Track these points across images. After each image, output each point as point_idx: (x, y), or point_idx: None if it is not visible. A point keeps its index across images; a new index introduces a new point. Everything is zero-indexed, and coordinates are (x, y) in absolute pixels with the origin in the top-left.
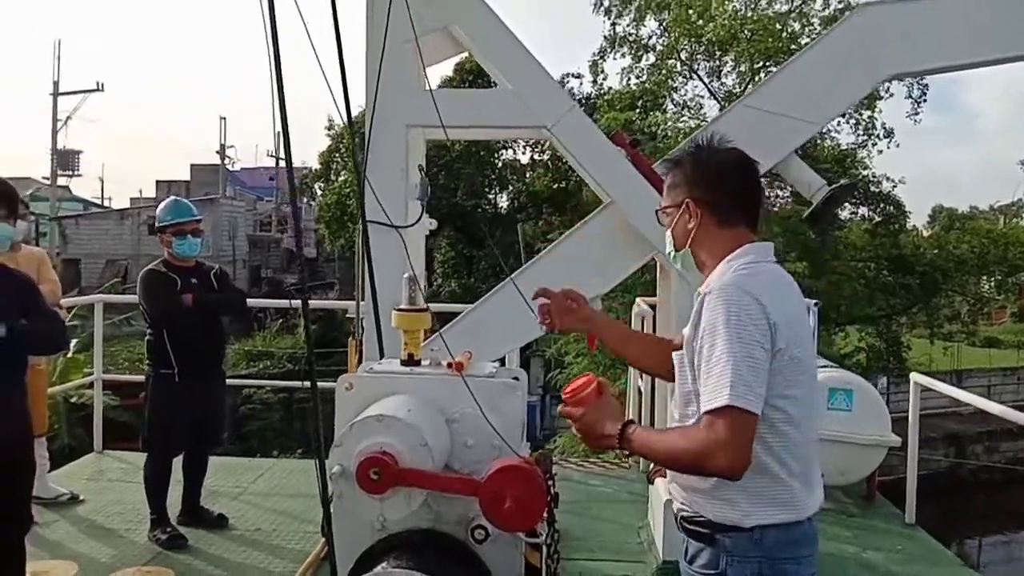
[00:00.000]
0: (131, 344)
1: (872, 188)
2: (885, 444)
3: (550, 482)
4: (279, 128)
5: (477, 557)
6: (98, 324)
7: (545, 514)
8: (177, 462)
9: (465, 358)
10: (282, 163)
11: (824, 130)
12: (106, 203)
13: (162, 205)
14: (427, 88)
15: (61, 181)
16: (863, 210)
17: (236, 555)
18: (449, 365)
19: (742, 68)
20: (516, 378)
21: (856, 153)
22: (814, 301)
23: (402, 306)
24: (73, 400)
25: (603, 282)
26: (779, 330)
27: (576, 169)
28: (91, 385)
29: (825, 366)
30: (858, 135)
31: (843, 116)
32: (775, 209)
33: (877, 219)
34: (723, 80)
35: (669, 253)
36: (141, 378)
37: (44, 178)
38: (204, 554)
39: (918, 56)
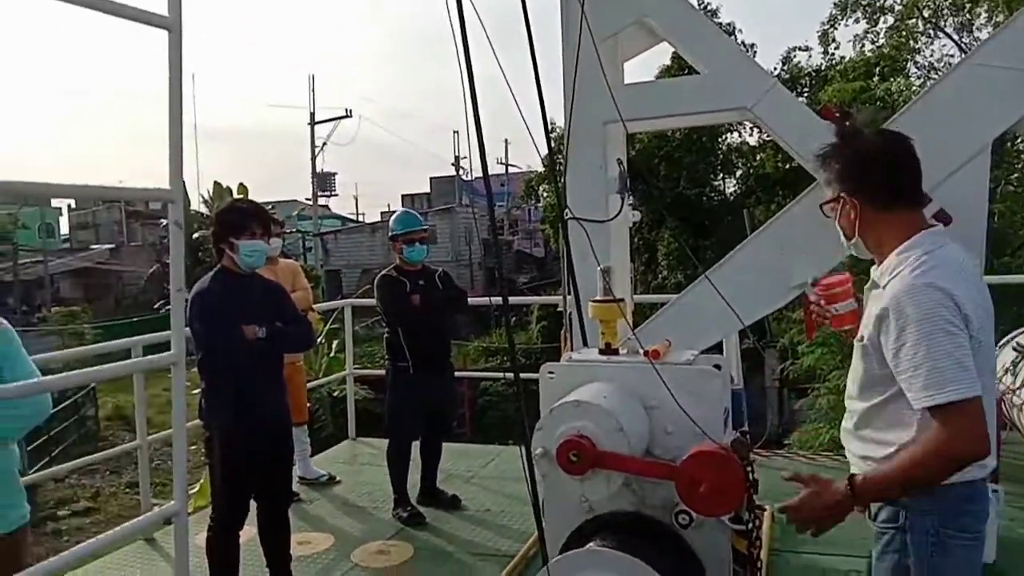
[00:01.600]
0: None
1: None
2: None
3: (749, 468)
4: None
5: (683, 541)
6: (348, 325)
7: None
8: (417, 448)
9: (663, 347)
10: (512, 169)
11: None
12: (360, 218)
13: (394, 217)
14: (623, 83)
15: (321, 201)
16: None
17: (467, 533)
18: (646, 353)
19: (999, 19)
20: (717, 366)
21: None
22: None
23: (597, 297)
24: (335, 394)
25: (815, 266)
26: (971, 321)
27: (784, 148)
28: (345, 380)
29: None
30: None
31: None
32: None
33: None
34: (975, 35)
35: (844, 243)
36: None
37: (307, 199)
38: (439, 531)
39: None
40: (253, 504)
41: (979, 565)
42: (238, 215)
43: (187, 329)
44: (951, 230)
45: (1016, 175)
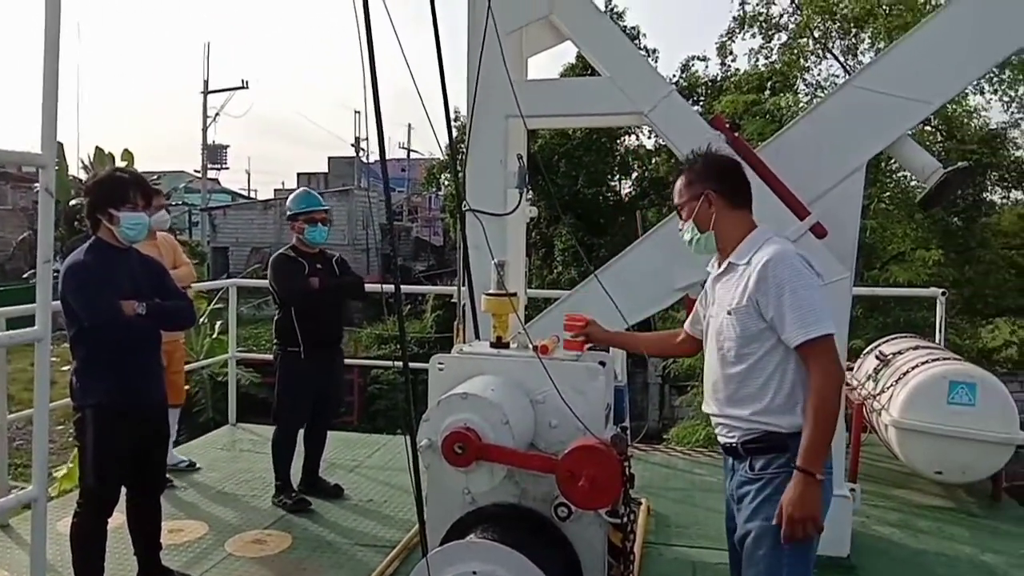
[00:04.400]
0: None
1: None
2: (1011, 442)
3: (626, 463)
4: (374, 122)
5: (560, 533)
6: (232, 306)
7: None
8: (300, 435)
9: (552, 342)
10: (413, 155)
11: (972, 108)
12: (252, 194)
13: (293, 195)
14: (526, 79)
15: (211, 174)
16: (1016, 194)
17: (348, 522)
18: (535, 348)
19: (880, 45)
20: (602, 363)
21: (1007, 133)
22: (941, 290)
23: (490, 291)
24: (218, 378)
25: (699, 271)
26: (818, 280)
27: (676, 154)
28: (227, 363)
29: (947, 359)
30: (1011, 113)
31: (993, 92)
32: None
33: None
34: (859, 58)
35: (691, 239)
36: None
37: (196, 171)
38: (319, 520)
39: None
40: (123, 489)
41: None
42: (119, 184)
43: (57, 303)
44: (825, 242)
45: (888, 194)
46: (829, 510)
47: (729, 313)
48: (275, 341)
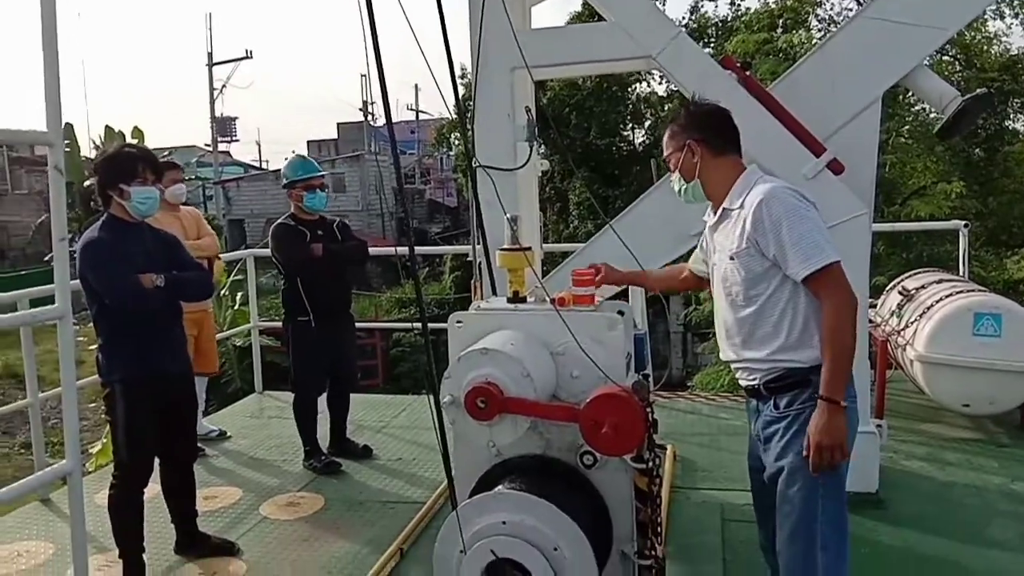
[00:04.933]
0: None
1: None
2: None
3: (648, 409)
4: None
5: (587, 481)
6: (251, 276)
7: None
8: (323, 401)
9: (569, 295)
10: (422, 116)
11: (991, 34)
12: (264, 165)
13: (288, 163)
14: (530, 28)
15: (221, 147)
16: None
17: (378, 483)
18: (552, 301)
19: None
20: (621, 312)
21: None
22: (964, 223)
23: (505, 246)
24: (243, 347)
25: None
26: (818, 209)
27: (687, 96)
28: (250, 333)
29: (971, 291)
30: None
31: (1015, 16)
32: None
33: None
34: None
35: (679, 189)
36: None
37: (206, 145)
38: (350, 482)
39: None
40: (156, 460)
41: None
42: (127, 159)
43: (76, 282)
44: (843, 178)
45: (907, 127)
46: (855, 446)
47: (731, 258)
48: (283, 312)
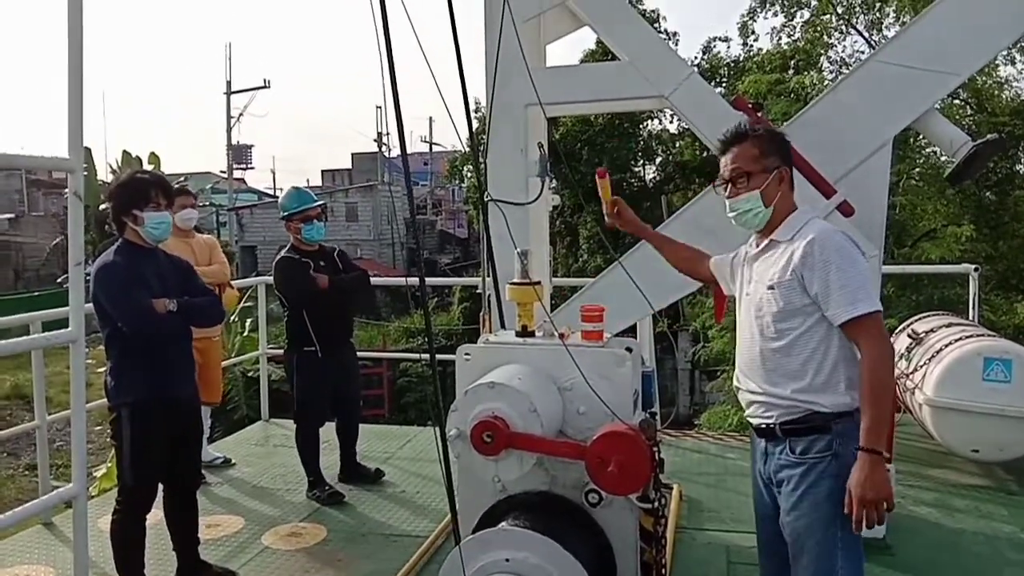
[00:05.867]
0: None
1: None
2: None
3: (655, 448)
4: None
5: (592, 519)
6: (261, 304)
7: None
8: (331, 429)
9: (567, 332)
10: (435, 148)
11: (1003, 79)
12: (277, 193)
13: (285, 194)
14: (544, 66)
15: (236, 174)
16: None
17: (381, 515)
18: (561, 336)
19: (905, 18)
20: (629, 349)
21: None
22: (974, 266)
23: (514, 280)
24: (250, 374)
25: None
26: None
27: (698, 136)
28: (259, 360)
29: (982, 335)
30: None
31: None
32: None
33: None
34: (884, 33)
35: (748, 210)
36: None
37: (221, 171)
38: (353, 513)
39: None
40: (160, 486)
41: None
42: (139, 185)
43: (90, 305)
44: (853, 220)
45: (917, 170)
46: None
47: (770, 288)
48: (287, 343)
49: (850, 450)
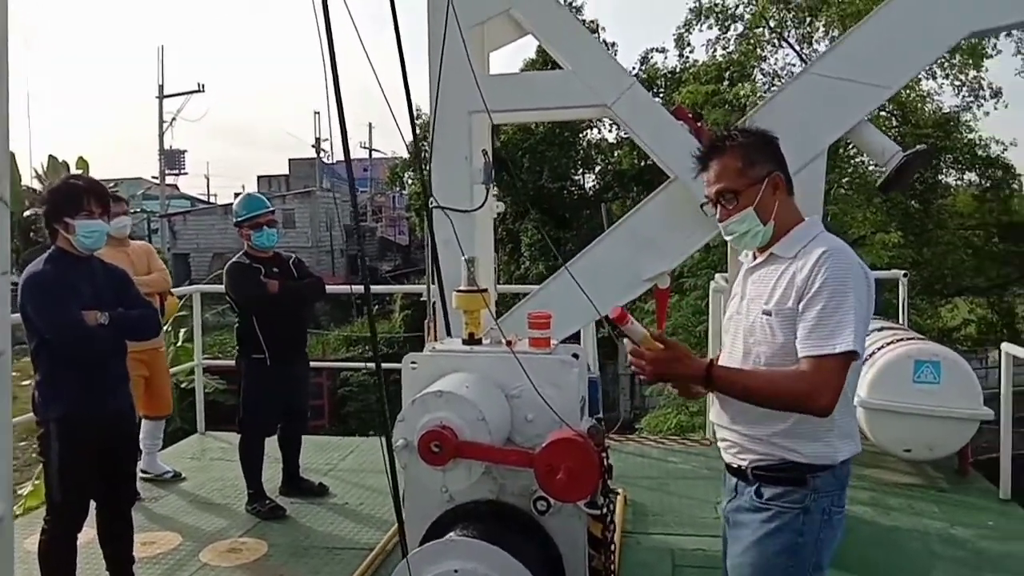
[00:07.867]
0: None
1: (979, 152)
2: (975, 418)
3: (603, 454)
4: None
5: (540, 527)
6: (196, 313)
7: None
8: (272, 441)
9: (514, 340)
10: (375, 154)
11: (925, 92)
12: (211, 199)
13: (237, 200)
14: (488, 73)
15: (169, 180)
16: (970, 175)
17: (325, 526)
18: (508, 343)
19: (835, 33)
20: (575, 355)
21: (960, 116)
22: (903, 272)
23: (461, 287)
24: (183, 386)
25: (666, 261)
26: (869, 291)
27: (640, 145)
28: (193, 371)
29: (911, 339)
30: (962, 97)
31: (945, 77)
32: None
33: (985, 184)
34: (815, 47)
35: (746, 232)
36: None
37: (153, 177)
38: (295, 526)
39: (1004, 8)
40: (92, 504)
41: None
42: (73, 192)
43: (17, 316)
44: None
45: (847, 179)
46: None
47: (767, 313)
48: (238, 349)
49: (821, 507)
